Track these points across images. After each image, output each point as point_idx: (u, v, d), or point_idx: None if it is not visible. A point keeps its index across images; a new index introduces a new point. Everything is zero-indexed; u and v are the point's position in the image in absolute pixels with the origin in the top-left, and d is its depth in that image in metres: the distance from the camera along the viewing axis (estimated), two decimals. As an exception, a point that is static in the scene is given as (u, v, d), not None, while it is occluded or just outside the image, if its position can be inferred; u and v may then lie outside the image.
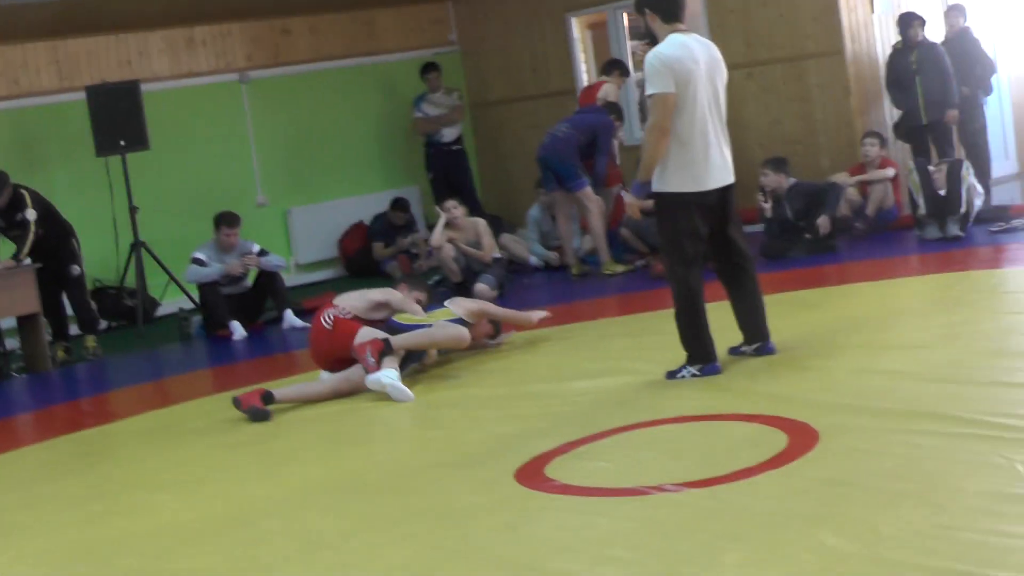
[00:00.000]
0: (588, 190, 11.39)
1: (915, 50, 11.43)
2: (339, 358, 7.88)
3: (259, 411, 7.39)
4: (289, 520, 5.39)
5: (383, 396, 7.40)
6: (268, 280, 11.34)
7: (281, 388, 7.78)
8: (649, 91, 6.73)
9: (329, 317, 7.98)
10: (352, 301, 8.15)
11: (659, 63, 6.66)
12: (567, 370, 7.55)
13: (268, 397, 7.51)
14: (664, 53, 6.69)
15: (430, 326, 7.94)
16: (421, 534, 4.92)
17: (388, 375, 7.43)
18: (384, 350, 7.55)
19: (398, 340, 7.70)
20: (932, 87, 11.37)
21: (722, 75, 6.86)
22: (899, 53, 11.58)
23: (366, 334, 7.75)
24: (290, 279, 12.94)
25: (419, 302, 8.38)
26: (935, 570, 3.80)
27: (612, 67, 12.47)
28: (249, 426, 7.31)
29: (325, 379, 7.90)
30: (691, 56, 6.69)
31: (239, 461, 6.66)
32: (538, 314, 8.63)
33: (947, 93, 11.37)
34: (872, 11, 12.17)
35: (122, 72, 12.87)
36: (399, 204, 13.60)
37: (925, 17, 11.59)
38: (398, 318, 8.02)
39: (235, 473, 6.40)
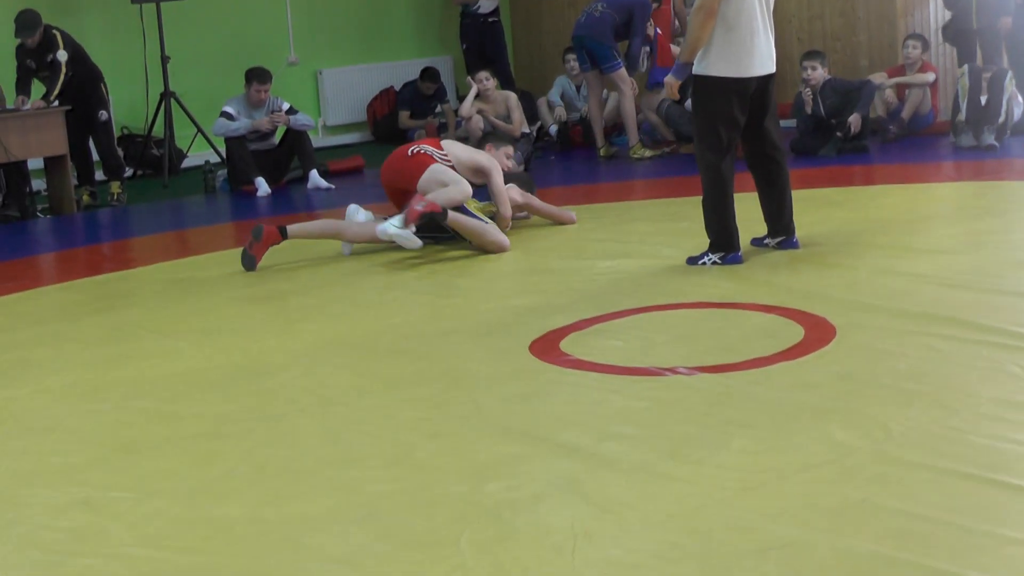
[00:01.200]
0: (622, 71, 11.28)
1: None
2: (401, 189, 7.91)
3: (251, 257, 7.60)
4: (303, 374, 5.44)
5: (400, 262, 7.43)
6: (295, 139, 11.29)
7: (299, 224, 7.98)
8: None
9: (420, 149, 7.97)
10: (457, 150, 8.09)
11: (710, -54, 6.59)
12: (588, 249, 7.55)
13: (282, 231, 7.67)
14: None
15: (487, 223, 7.80)
16: (433, 397, 4.96)
17: (395, 223, 7.43)
18: (437, 215, 7.46)
19: (454, 217, 7.60)
20: None
21: None
22: None
23: (434, 178, 7.72)
24: (317, 140, 12.91)
25: (508, 157, 8.38)
26: (941, 471, 3.82)
27: None
28: (267, 281, 7.35)
29: (347, 222, 7.93)
30: (742, -59, 6.60)
31: (256, 315, 6.71)
32: (571, 213, 8.49)
33: None
34: (924, -90, 11.95)
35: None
36: (429, 74, 13.48)
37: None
38: (467, 204, 7.86)
39: (252, 326, 6.45)
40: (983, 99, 10.40)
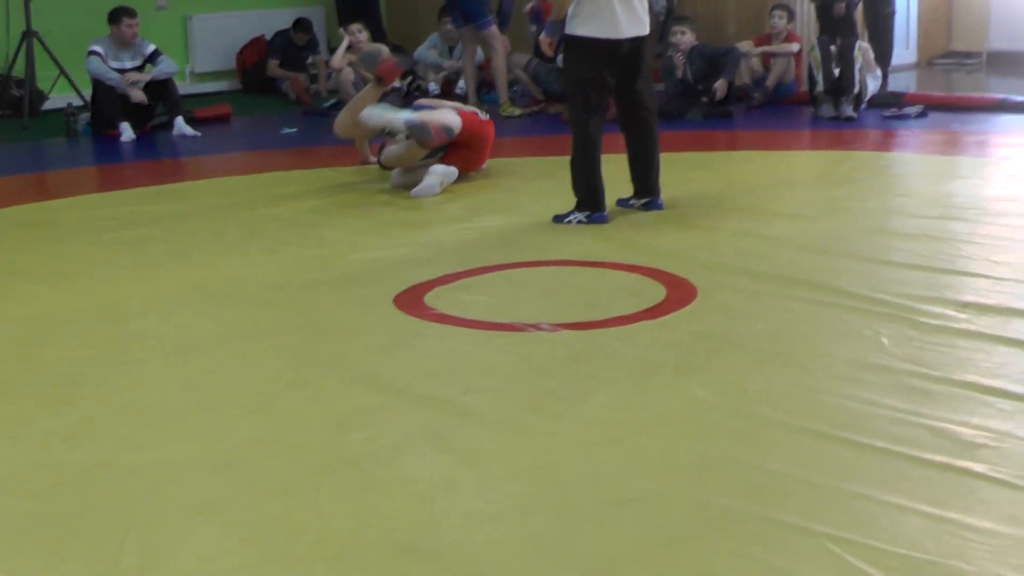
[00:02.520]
0: (494, 28, 11.27)
1: None
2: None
3: None
4: (163, 320, 5.39)
5: (267, 211, 7.42)
6: (161, 85, 11.09)
7: None
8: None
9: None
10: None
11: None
12: (453, 205, 7.57)
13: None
14: None
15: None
16: (295, 347, 4.95)
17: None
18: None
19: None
20: None
21: None
22: None
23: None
24: (185, 87, 12.70)
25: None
26: (795, 428, 3.92)
27: None
28: (129, 227, 7.24)
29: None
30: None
31: (117, 259, 6.59)
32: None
33: None
34: None
35: None
36: (302, 25, 13.35)
37: None
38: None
39: (112, 271, 6.34)
40: (836, 71, 10.60)
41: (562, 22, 6.83)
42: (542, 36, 7.16)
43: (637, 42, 6.81)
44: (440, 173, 7.93)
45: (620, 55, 6.77)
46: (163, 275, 6.17)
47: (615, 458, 3.74)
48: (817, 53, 10.74)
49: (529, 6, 11.42)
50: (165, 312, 5.51)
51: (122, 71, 10.86)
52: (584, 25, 6.72)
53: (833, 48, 10.71)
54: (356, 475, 3.70)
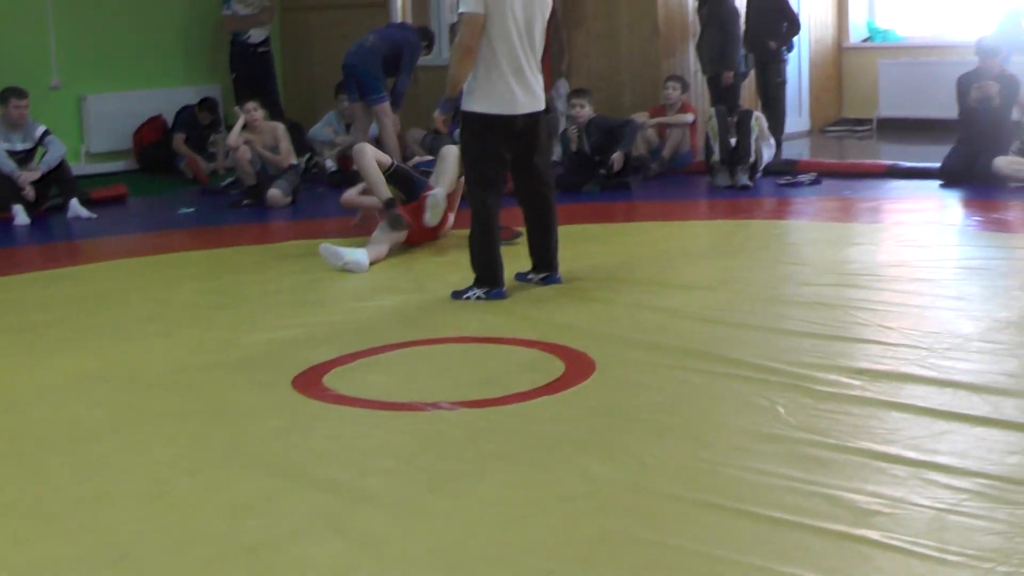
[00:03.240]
0: (386, 105, 11.30)
1: (707, 3, 11.66)
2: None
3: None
4: (57, 409, 5.30)
5: (161, 293, 7.37)
6: (55, 167, 10.98)
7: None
8: (460, 9, 6.74)
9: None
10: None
11: (472, -17, 6.68)
12: (351, 283, 7.55)
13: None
14: (479, -25, 6.70)
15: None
16: (191, 432, 4.89)
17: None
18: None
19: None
20: (713, 43, 11.61)
21: (544, 5, 6.87)
22: (699, 4, 11.82)
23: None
24: (80, 168, 12.56)
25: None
26: (693, 502, 3.94)
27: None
28: (22, 312, 7.14)
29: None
30: (507, -19, 6.70)
31: (8, 347, 6.47)
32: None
33: (725, 54, 11.59)
34: (686, -45, 12.31)
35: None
36: (207, 104, 13.29)
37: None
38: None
39: (3, 359, 6.23)
40: (732, 140, 10.77)
41: (454, 99, 6.88)
42: (436, 113, 7.21)
43: (533, 118, 6.87)
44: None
45: (516, 131, 6.82)
46: (57, 362, 6.07)
47: (513, 538, 3.73)
48: (714, 123, 10.90)
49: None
50: (59, 400, 5.42)
51: (12, 153, 10.74)
52: (480, 101, 6.77)
53: (730, 118, 10.88)
54: (253, 564, 3.65)
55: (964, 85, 10.49)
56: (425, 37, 11.81)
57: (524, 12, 6.77)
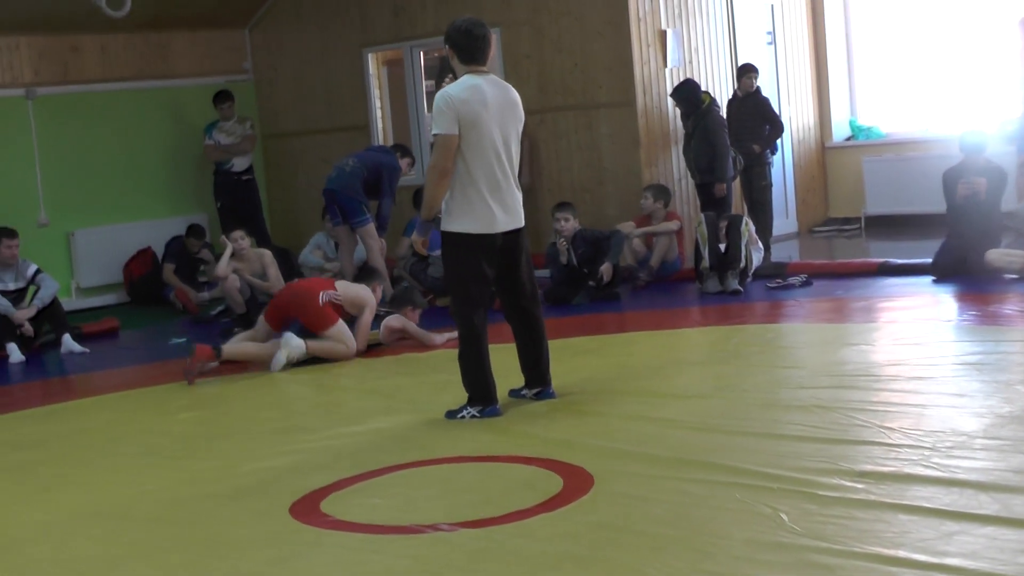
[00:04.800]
0: (371, 227, 11.34)
1: (692, 115, 11.76)
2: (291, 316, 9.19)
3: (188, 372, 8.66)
4: (56, 547, 5.25)
5: (156, 426, 7.30)
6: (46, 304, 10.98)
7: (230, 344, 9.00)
8: (433, 131, 6.78)
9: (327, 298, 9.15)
10: (345, 287, 9.47)
11: (444, 104, 6.70)
12: (347, 405, 7.53)
13: (217, 351, 8.74)
14: (451, 94, 6.73)
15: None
16: (190, 564, 4.84)
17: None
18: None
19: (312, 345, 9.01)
20: (701, 154, 11.69)
21: (517, 119, 6.89)
22: (683, 115, 11.92)
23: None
24: (70, 303, 12.61)
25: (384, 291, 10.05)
26: (699, 615, 3.88)
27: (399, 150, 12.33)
28: (17, 450, 7.10)
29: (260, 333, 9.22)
30: (480, 98, 6.71)
31: (5, 485, 6.43)
32: (442, 337, 9.30)
33: (715, 166, 11.67)
34: (665, 65, 12.44)
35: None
36: (194, 230, 13.29)
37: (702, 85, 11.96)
38: None
39: (0, 498, 6.19)
40: (722, 246, 10.80)
41: (430, 221, 6.89)
42: (413, 236, 7.22)
43: (513, 235, 6.86)
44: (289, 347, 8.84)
45: (497, 248, 6.81)
46: (53, 499, 6.02)
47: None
48: (704, 229, 10.93)
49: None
50: (57, 538, 5.36)
51: (5, 292, 10.77)
52: (459, 221, 6.77)
53: (720, 223, 10.92)
54: None
55: (950, 181, 10.54)
56: (405, 154, 11.87)
57: (499, 128, 6.78)
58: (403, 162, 11.75)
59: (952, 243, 10.38)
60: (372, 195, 11.49)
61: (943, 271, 10.23)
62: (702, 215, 11.22)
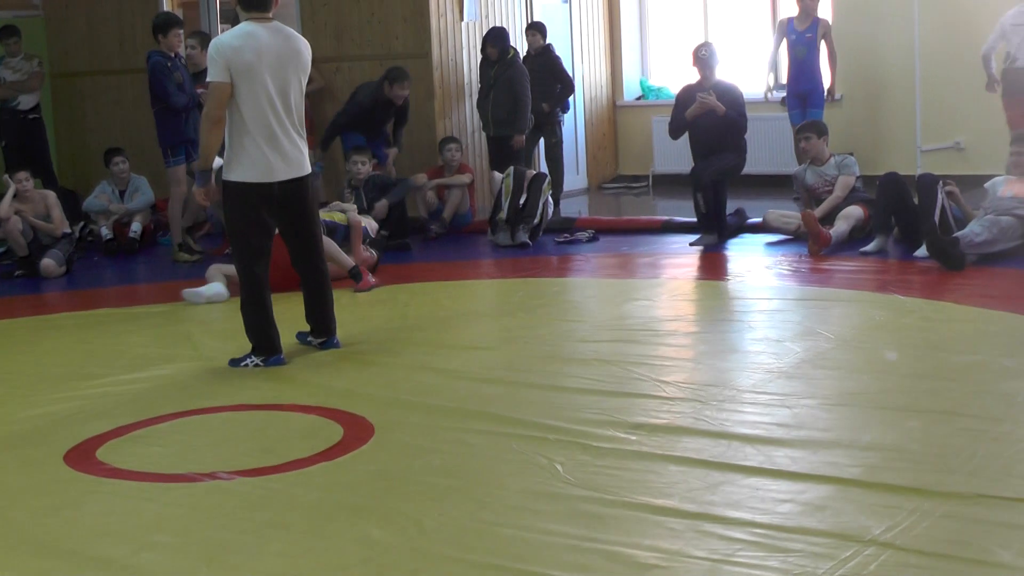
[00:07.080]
0: (179, 170, 11.04)
1: (496, 65, 11.80)
2: None
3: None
4: None
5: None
6: None
7: None
8: (207, 79, 6.70)
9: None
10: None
11: (215, 52, 6.65)
12: (131, 353, 7.39)
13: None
14: (223, 42, 6.68)
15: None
16: (-44, 515, 4.72)
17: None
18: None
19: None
20: (501, 105, 11.74)
21: (300, 69, 6.80)
22: (484, 64, 11.94)
23: None
24: None
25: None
26: (473, 564, 3.95)
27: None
28: None
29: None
30: (254, 46, 6.63)
31: None
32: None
33: (515, 117, 11.71)
34: (461, 19, 12.45)
35: None
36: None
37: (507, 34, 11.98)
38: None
39: None
40: (522, 200, 10.90)
41: (209, 171, 6.82)
42: (194, 187, 7.12)
43: (293, 184, 6.77)
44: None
45: (275, 197, 6.75)
46: None
47: (291, 609, 3.69)
48: (510, 181, 10.99)
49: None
50: None
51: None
52: (235, 170, 6.70)
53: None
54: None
55: (684, 99, 10.63)
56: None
57: (276, 76, 6.68)
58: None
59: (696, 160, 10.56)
60: None
61: (713, 229, 10.32)
62: (511, 168, 11.22)
